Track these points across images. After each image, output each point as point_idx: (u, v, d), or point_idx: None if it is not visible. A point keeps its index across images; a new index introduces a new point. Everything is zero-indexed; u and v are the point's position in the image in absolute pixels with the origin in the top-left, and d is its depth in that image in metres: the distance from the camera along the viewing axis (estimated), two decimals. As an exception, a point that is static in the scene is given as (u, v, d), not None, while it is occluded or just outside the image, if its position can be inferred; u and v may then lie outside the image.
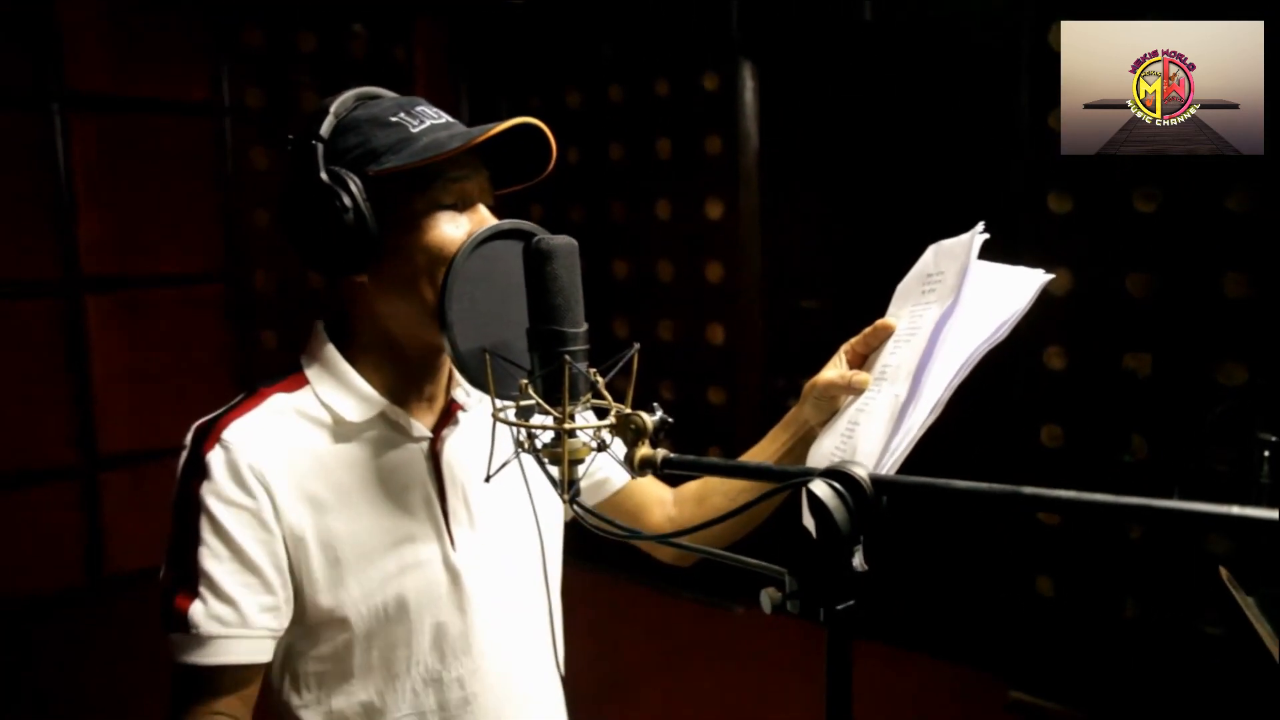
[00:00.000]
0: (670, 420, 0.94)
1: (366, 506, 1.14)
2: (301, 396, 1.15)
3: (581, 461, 0.96)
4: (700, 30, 3.92)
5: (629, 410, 0.94)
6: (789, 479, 0.83)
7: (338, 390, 1.15)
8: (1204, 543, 2.93)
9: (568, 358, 0.92)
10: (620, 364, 0.98)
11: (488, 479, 1.00)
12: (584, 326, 0.96)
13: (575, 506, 0.96)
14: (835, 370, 1.20)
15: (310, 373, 1.16)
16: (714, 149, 3.92)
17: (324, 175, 1.07)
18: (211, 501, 1.07)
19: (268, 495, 1.08)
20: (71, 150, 3.57)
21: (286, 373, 1.18)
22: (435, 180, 1.09)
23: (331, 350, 1.16)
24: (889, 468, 1.03)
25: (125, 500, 3.70)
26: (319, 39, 4.17)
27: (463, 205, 1.12)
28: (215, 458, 1.08)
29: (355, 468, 1.14)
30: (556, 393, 0.93)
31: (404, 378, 1.17)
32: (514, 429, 0.95)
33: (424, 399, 1.20)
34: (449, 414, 1.21)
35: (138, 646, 3.36)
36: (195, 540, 1.07)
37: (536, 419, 0.96)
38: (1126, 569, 3.03)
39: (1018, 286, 1.14)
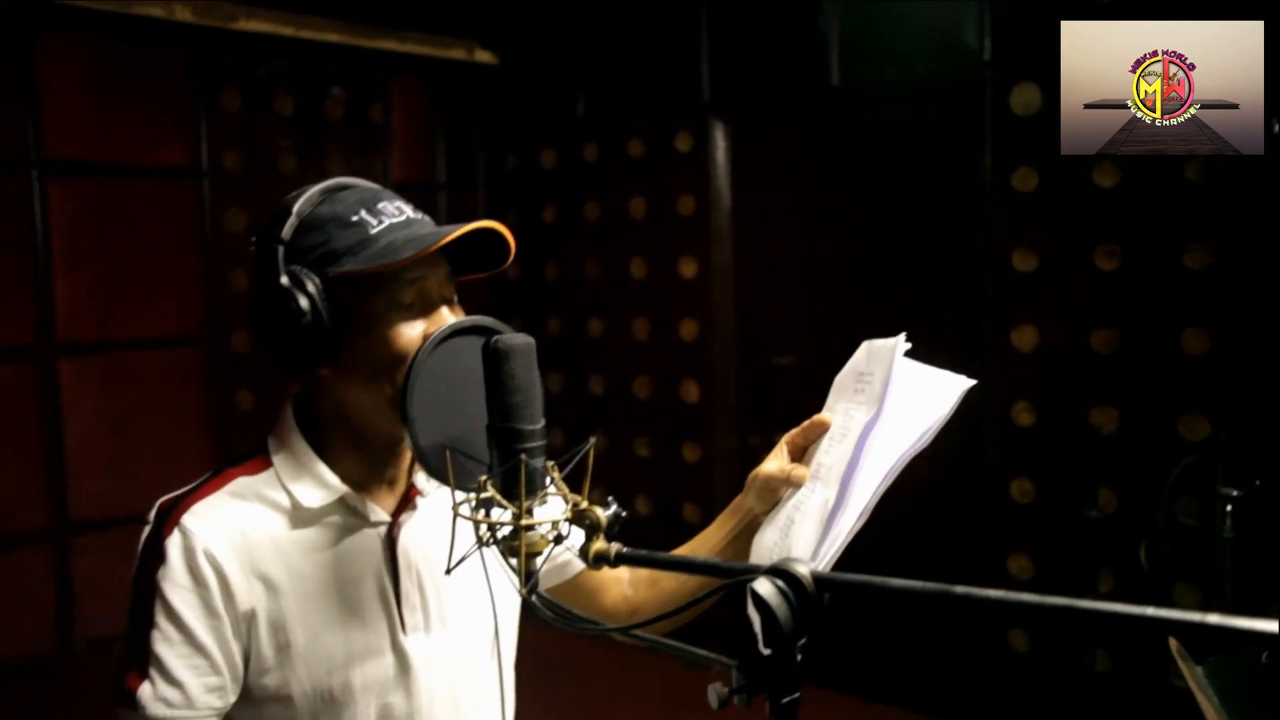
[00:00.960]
0: (624, 514, 0.97)
1: (320, 590, 1.17)
2: (264, 480, 1.18)
3: (539, 554, 0.99)
4: (673, 91, 3.99)
5: (585, 505, 0.97)
6: (736, 576, 0.86)
7: (299, 475, 1.18)
8: (1171, 595, 2.97)
9: (524, 455, 0.95)
10: (577, 458, 1.01)
11: (448, 571, 1.03)
12: (541, 423, 0.99)
13: (533, 599, 0.98)
14: (776, 463, 1.25)
15: (275, 456, 1.20)
16: (687, 208, 3.98)
17: (284, 278, 1.11)
18: (166, 587, 1.11)
19: (220, 581, 1.12)
20: (49, 215, 3.59)
21: (253, 454, 1.21)
22: (392, 281, 1.13)
23: (296, 434, 1.20)
24: (824, 566, 1.07)
25: (97, 565, 3.67)
26: (296, 101, 4.23)
27: (421, 304, 1.16)
28: (172, 543, 1.12)
29: (312, 552, 1.17)
30: (514, 488, 0.96)
31: (366, 463, 1.21)
32: (476, 520, 0.98)
33: (385, 483, 1.23)
34: (408, 499, 1.24)
35: (111, 713, 3.35)
36: (149, 623, 1.11)
37: (495, 513, 0.99)
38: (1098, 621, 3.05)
39: (941, 394, 1.19)
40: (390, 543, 1.22)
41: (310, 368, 1.15)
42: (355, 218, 1.15)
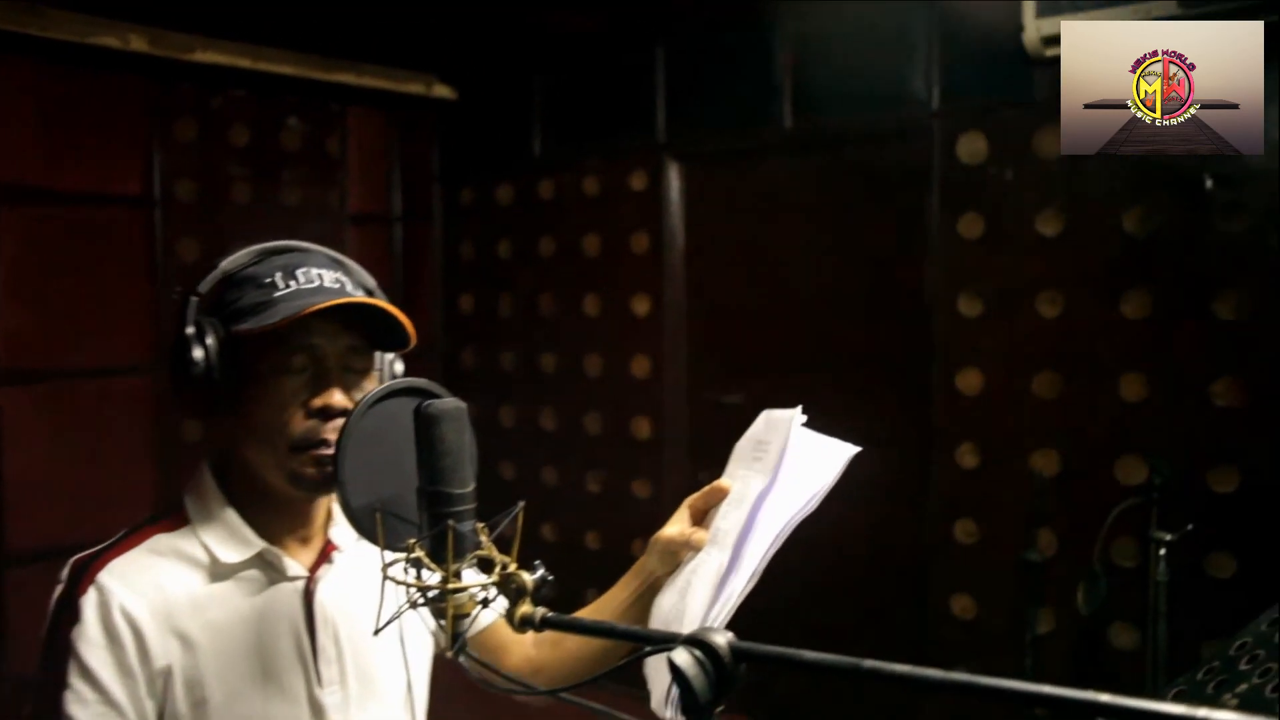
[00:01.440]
0: (550, 578, 0.99)
1: (237, 646, 1.18)
2: (181, 537, 1.19)
3: (467, 616, 1.00)
4: (628, 131, 4.04)
5: (511, 569, 0.98)
6: (653, 643, 0.88)
7: (216, 532, 1.19)
8: (1107, 635, 3.02)
9: (451, 521, 0.96)
10: (505, 521, 1.02)
11: (376, 632, 1.03)
12: (471, 486, 1.01)
13: (463, 659, 0.99)
14: (677, 527, 1.32)
15: (192, 512, 1.21)
16: (641, 246, 4.02)
17: (189, 328, 1.15)
18: (80, 645, 1.12)
19: (136, 638, 1.12)
20: (-3, 244, 3.55)
21: (170, 511, 1.21)
22: (281, 344, 1.15)
23: (213, 491, 1.21)
24: (718, 624, 1.12)
25: (33, 600, 3.60)
26: (251, 132, 4.22)
27: (313, 370, 1.18)
28: (87, 601, 1.13)
29: (229, 607, 1.18)
30: (442, 552, 0.97)
31: (281, 519, 1.22)
32: (404, 584, 0.99)
33: (299, 539, 1.24)
34: (325, 554, 1.25)
35: None
36: (62, 684, 1.12)
37: (425, 575, 1.00)
38: (1037, 661, 3.10)
39: (828, 462, 1.28)
40: (308, 597, 1.23)
41: (201, 416, 1.19)
42: (269, 280, 1.18)
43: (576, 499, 4.24)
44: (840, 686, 3.61)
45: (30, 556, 3.62)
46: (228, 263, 1.20)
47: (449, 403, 1.02)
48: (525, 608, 0.98)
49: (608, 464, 4.16)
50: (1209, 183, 2.81)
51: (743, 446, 1.37)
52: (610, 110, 4.10)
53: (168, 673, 1.13)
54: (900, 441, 3.50)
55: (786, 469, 1.25)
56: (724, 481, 1.32)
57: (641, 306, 4.03)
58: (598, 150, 4.13)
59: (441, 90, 4.50)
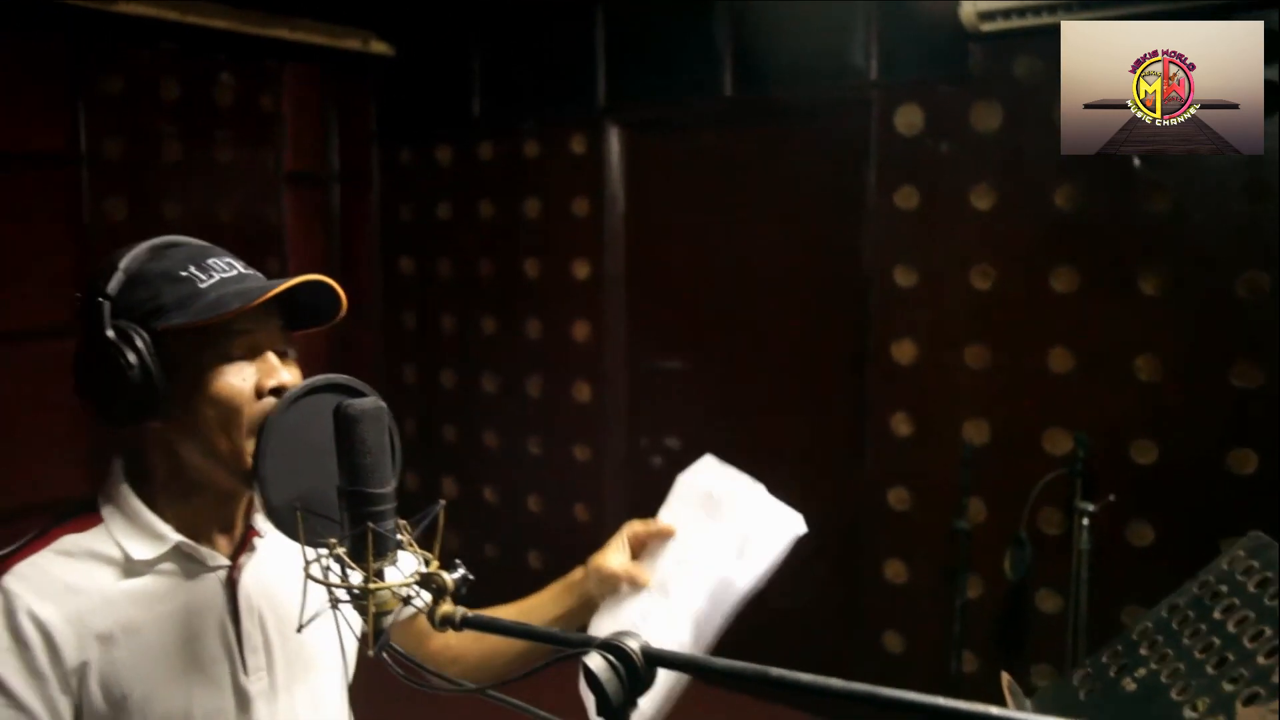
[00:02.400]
0: (471, 578, 0.99)
1: (156, 639, 1.16)
2: (93, 536, 1.16)
3: (388, 613, 1.00)
4: (568, 94, 4.00)
5: (432, 569, 0.98)
6: (571, 647, 0.89)
7: (129, 529, 1.17)
8: (1034, 601, 3.11)
9: (370, 523, 0.96)
10: (426, 520, 1.02)
11: (299, 629, 1.03)
12: (391, 485, 1.00)
13: (384, 656, 1.00)
14: (619, 559, 1.34)
15: (105, 511, 1.18)
16: (581, 210, 4.00)
17: (110, 331, 1.10)
18: None
19: (45, 640, 1.09)
20: (-87, 202, 3.44)
21: (80, 511, 1.19)
22: (221, 334, 1.12)
23: (125, 489, 1.19)
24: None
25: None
26: (183, 86, 4.11)
27: (251, 355, 1.15)
28: None
29: (146, 602, 1.16)
30: (364, 551, 0.97)
31: (202, 512, 1.20)
32: (324, 584, 0.99)
33: (219, 528, 1.23)
34: (246, 541, 1.24)
35: None
36: None
37: (347, 572, 1.00)
38: (966, 625, 3.19)
39: (782, 534, 1.35)
40: (231, 586, 1.22)
41: (138, 421, 1.13)
42: (184, 273, 1.14)
43: (517, 462, 4.25)
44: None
45: (-42, 521, 3.56)
46: (125, 261, 1.14)
47: (369, 402, 1.01)
48: (446, 607, 0.99)
49: (548, 427, 4.17)
50: (1136, 162, 2.87)
51: (688, 490, 1.38)
52: (550, 73, 4.06)
53: (82, 671, 1.11)
54: (835, 409, 3.55)
55: (751, 551, 1.31)
56: (668, 524, 1.36)
57: (581, 271, 4.02)
58: (538, 113, 4.09)
59: (379, 47, 4.41)
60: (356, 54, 4.39)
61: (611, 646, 0.86)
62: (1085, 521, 2.84)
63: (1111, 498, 2.85)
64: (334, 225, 4.66)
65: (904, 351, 3.31)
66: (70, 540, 1.15)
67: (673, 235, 3.91)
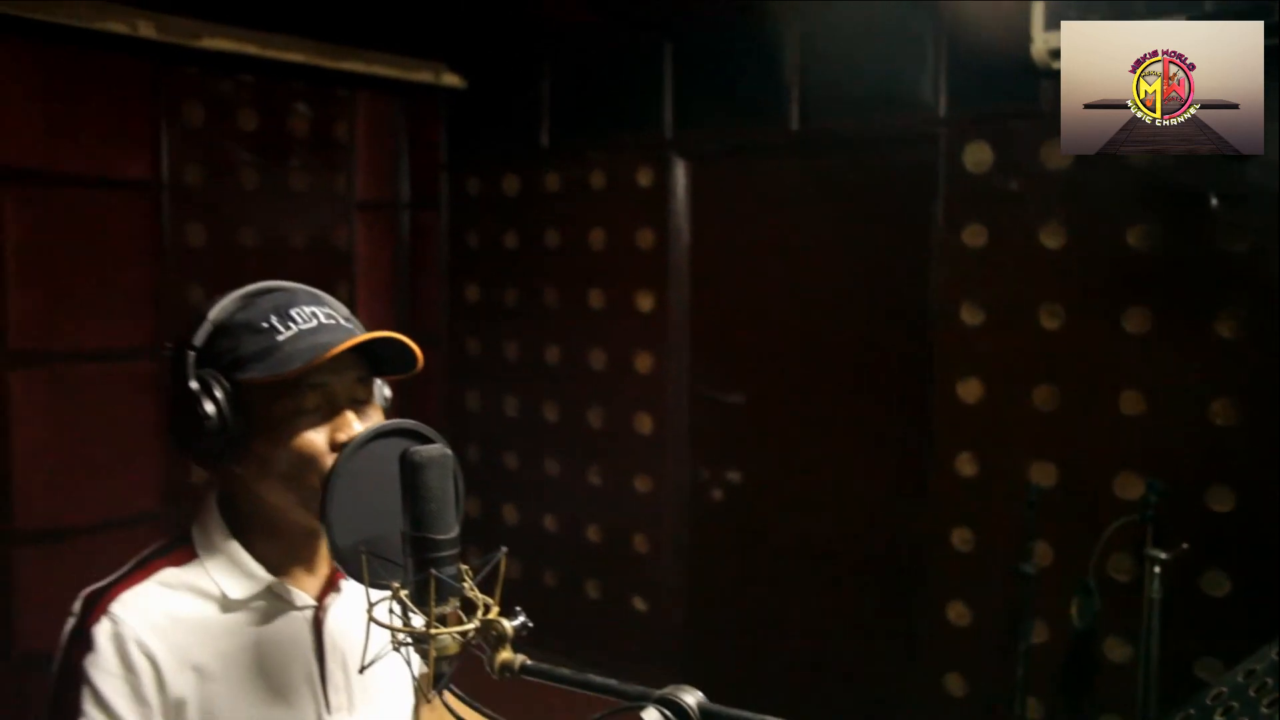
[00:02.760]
0: (530, 625, 1.00)
1: (249, 675, 1.20)
2: (190, 571, 1.20)
3: (450, 656, 1.01)
4: (635, 126, 4.03)
5: (492, 616, 0.99)
6: (628, 700, 0.90)
7: (225, 566, 1.21)
8: (1101, 649, 3.03)
9: (433, 569, 0.98)
10: (488, 567, 1.03)
11: (362, 670, 1.05)
12: (455, 531, 1.02)
13: (444, 701, 1.01)
14: None
15: (199, 547, 1.22)
16: (646, 242, 4.02)
17: (193, 382, 1.15)
18: (94, 674, 1.12)
19: (151, 668, 1.13)
20: (3, 226, 3.57)
21: (176, 544, 1.23)
22: (295, 387, 1.16)
23: (220, 525, 1.22)
24: None
25: (39, 578, 3.65)
26: (261, 116, 4.22)
27: (327, 408, 1.19)
28: (101, 631, 1.14)
29: (240, 638, 1.20)
30: (426, 596, 0.99)
31: (287, 551, 1.24)
32: (387, 627, 1.01)
33: (306, 568, 1.26)
34: (332, 582, 1.27)
35: None
36: (75, 712, 1.12)
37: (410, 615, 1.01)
38: (1031, 670, 3.11)
39: None
40: (317, 625, 1.25)
41: (219, 467, 1.19)
42: (265, 324, 1.18)
43: (578, 491, 4.27)
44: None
45: (37, 536, 3.66)
46: (214, 312, 1.19)
47: (434, 449, 1.02)
48: (505, 654, 1.00)
49: (609, 458, 4.18)
50: (1214, 201, 2.80)
51: None
52: (617, 104, 4.09)
53: (182, 703, 1.15)
54: (899, 447, 3.51)
55: None
56: None
57: (645, 302, 4.03)
58: (604, 144, 4.13)
59: (450, 79, 4.49)
60: (428, 85, 4.48)
61: (668, 701, 0.87)
62: (1157, 569, 2.76)
63: (1185, 546, 2.77)
64: (403, 252, 4.74)
65: (970, 390, 3.26)
66: (170, 573, 1.20)
67: (736, 268, 3.91)
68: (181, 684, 1.15)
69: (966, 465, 3.28)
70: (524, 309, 4.43)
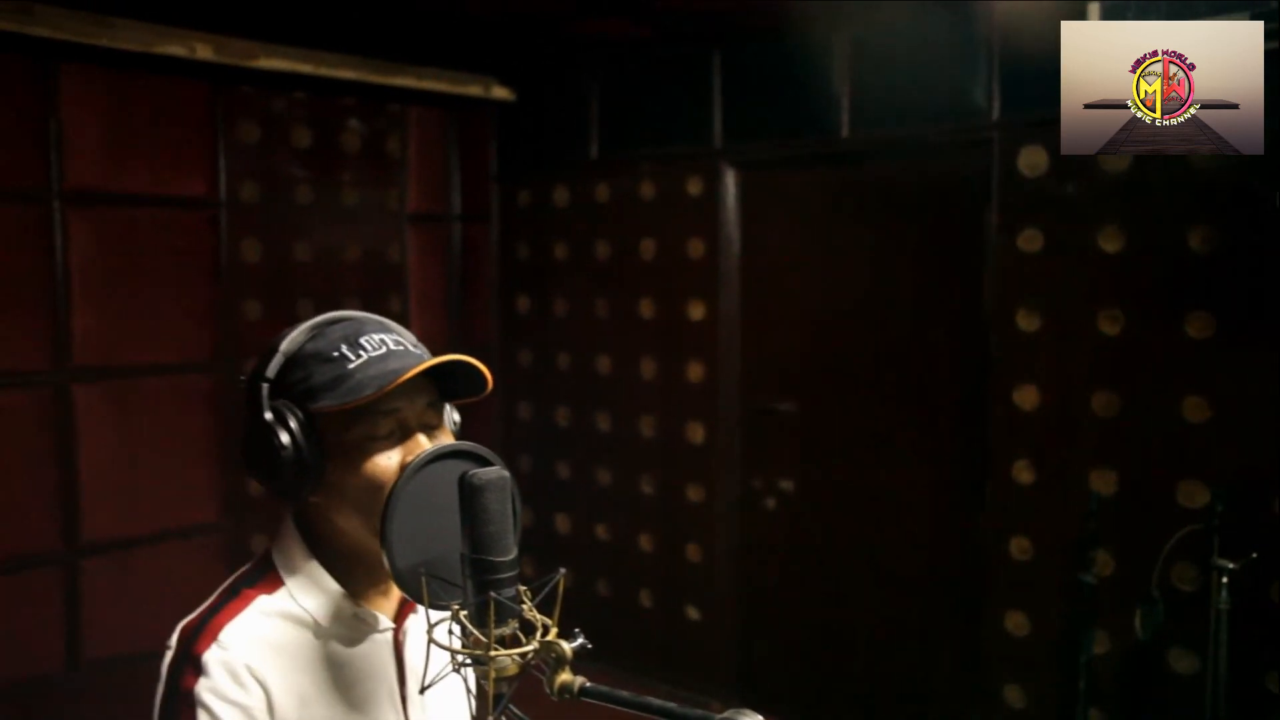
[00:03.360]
0: (590, 646, 1.00)
1: (341, 698, 1.22)
2: (280, 599, 1.23)
3: (510, 678, 1.02)
4: (684, 136, 4.03)
5: (551, 638, 1.00)
6: (690, 724, 0.89)
7: (311, 593, 1.23)
8: (1167, 660, 2.97)
9: (492, 591, 0.98)
10: (547, 588, 1.04)
11: (422, 691, 1.06)
12: (514, 554, 1.02)
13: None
14: None
15: (284, 573, 1.24)
16: (697, 252, 4.02)
17: (268, 414, 1.17)
18: (209, 699, 1.14)
19: (263, 692, 1.16)
20: (69, 244, 3.66)
21: (263, 572, 1.25)
22: (367, 414, 1.17)
23: (303, 552, 1.25)
24: None
25: (106, 588, 3.73)
26: (314, 133, 4.29)
27: (400, 433, 1.20)
28: (212, 657, 1.16)
29: (331, 662, 1.23)
30: (486, 618, 0.99)
31: (365, 575, 1.26)
32: (447, 649, 1.01)
33: (382, 591, 1.28)
34: (408, 603, 1.28)
35: None
36: None
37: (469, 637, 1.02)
38: (1092, 681, 3.06)
39: None
40: (397, 647, 1.27)
41: (297, 497, 1.20)
42: (335, 353, 1.19)
43: (630, 500, 4.27)
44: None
45: (102, 547, 3.75)
46: (285, 344, 1.21)
47: (493, 472, 1.03)
48: (564, 675, 1.00)
49: (661, 467, 4.18)
50: (1279, 201, 2.74)
51: None
52: (667, 115, 4.10)
53: None
54: (954, 455, 3.47)
55: None
56: None
57: (696, 312, 4.03)
58: (654, 154, 4.13)
59: (500, 92, 4.53)
60: (478, 99, 4.52)
61: (732, 726, 0.86)
62: (1224, 579, 2.70)
63: (1254, 555, 2.71)
64: (454, 264, 4.79)
65: (1026, 397, 3.22)
66: (265, 601, 1.22)
67: (788, 276, 3.89)
68: (287, 709, 1.18)
69: (1024, 473, 3.24)
70: (575, 319, 4.45)
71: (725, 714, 0.87)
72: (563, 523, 4.49)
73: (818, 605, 3.82)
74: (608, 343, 4.32)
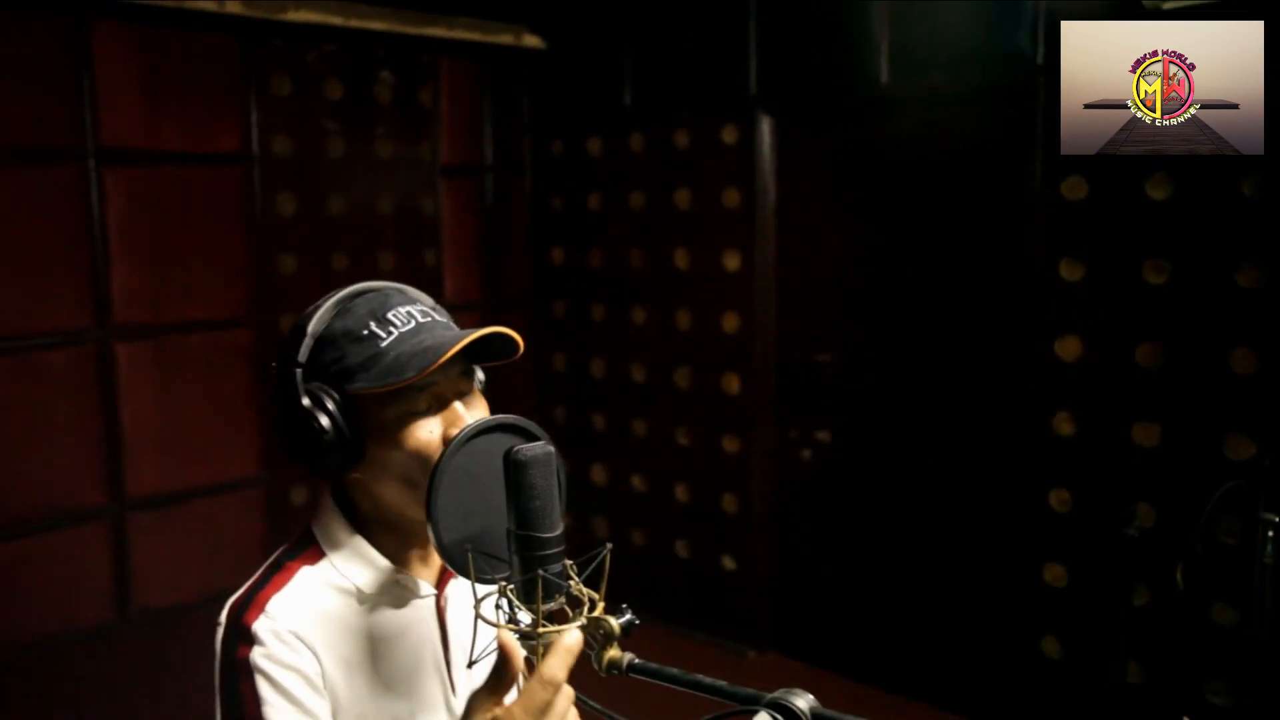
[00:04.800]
0: (637, 622, 1.00)
1: (387, 664, 1.25)
2: (323, 569, 1.24)
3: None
4: (719, 84, 3.97)
5: (599, 614, 1.00)
6: (739, 703, 0.89)
7: (353, 561, 1.25)
8: (1209, 614, 2.95)
9: (539, 568, 0.98)
10: (594, 563, 1.04)
11: (470, 665, 1.07)
12: (559, 529, 1.02)
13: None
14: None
15: (327, 547, 1.26)
16: (732, 201, 3.97)
17: (305, 399, 1.18)
18: (267, 665, 1.16)
19: (316, 660, 1.18)
20: (105, 202, 3.67)
21: (304, 545, 1.26)
22: (405, 391, 1.17)
23: (342, 524, 1.26)
24: None
25: (152, 539, 3.80)
26: (346, 85, 4.26)
27: (436, 405, 1.21)
28: (263, 626, 1.17)
29: (375, 629, 1.25)
30: (533, 593, 0.99)
31: (405, 543, 1.27)
32: (494, 624, 1.02)
33: (422, 558, 1.29)
34: (449, 570, 1.29)
35: (165, 678, 3.57)
36: (256, 702, 1.15)
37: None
38: (1132, 634, 3.05)
39: None
40: (439, 612, 1.29)
41: (341, 476, 1.22)
42: (365, 331, 1.19)
43: (666, 451, 4.28)
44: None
45: (148, 502, 3.82)
46: (312, 324, 1.21)
47: (538, 447, 1.02)
48: (613, 652, 1.00)
49: (697, 418, 4.18)
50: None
51: None
52: (701, 63, 4.03)
53: (339, 692, 1.20)
54: (993, 406, 3.44)
55: None
56: None
57: (732, 262, 3.99)
58: (688, 103, 4.07)
59: (531, 40, 4.47)
60: (510, 48, 4.46)
61: (780, 706, 0.86)
62: (1271, 534, 2.67)
63: (1300, 509, 2.67)
64: (487, 216, 4.76)
65: (1068, 349, 3.17)
66: (308, 572, 1.24)
67: (824, 225, 3.85)
68: (336, 676, 1.20)
69: (1064, 425, 3.20)
70: (609, 270, 4.43)
71: (776, 693, 0.87)
72: (599, 474, 4.51)
73: (852, 555, 3.82)
74: (642, 294, 4.30)
